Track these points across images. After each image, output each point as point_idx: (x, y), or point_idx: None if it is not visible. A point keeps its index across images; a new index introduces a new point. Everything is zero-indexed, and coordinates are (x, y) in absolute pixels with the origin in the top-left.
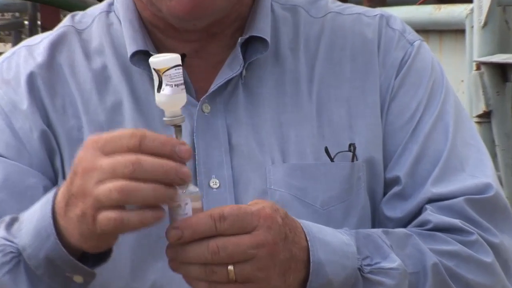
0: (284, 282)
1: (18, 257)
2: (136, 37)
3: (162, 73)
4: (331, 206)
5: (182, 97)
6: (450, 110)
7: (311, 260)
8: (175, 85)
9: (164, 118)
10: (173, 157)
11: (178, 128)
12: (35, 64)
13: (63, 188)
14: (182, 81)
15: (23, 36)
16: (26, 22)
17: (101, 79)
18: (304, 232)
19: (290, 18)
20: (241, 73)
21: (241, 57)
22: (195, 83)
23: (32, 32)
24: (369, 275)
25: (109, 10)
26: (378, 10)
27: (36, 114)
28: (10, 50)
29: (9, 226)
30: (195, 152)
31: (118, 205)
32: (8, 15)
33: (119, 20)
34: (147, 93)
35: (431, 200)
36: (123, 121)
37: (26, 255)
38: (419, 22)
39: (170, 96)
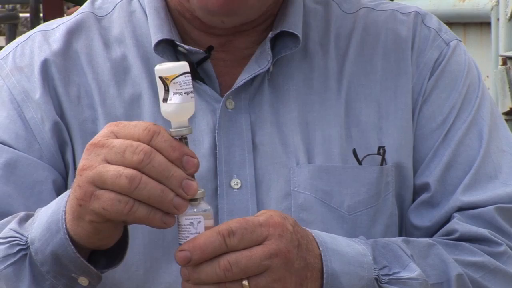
0: None
1: (25, 250)
2: (162, 26)
3: (170, 81)
4: (357, 211)
5: (192, 106)
6: (485, 115)
7: (324, 271)
8: (185, 93)
9: (170, 130)
10: (178, 164)
11: (185, 140)
12: (50, 51)
13: None
14: (192, 89)
15: (24, 29)
16: (24, 15)
17: (120, 69)
18: (317, 242)
19: (322, 12)
20: (268, 68)
21: (270, 52)
22: (219, 77)
23: (34, 25)
24: (387, 286)
25: None
26: (414, 7)
27: (49, 104)
28: (25, 34)
29: (23, 220)
30: (216, 150)
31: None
32: (8, 8)
33: (142, 8)
34: None
35: (460, 209)
36: (141, 114)
37: (33, 249)
38: (442, 14)
39: (179, 105)
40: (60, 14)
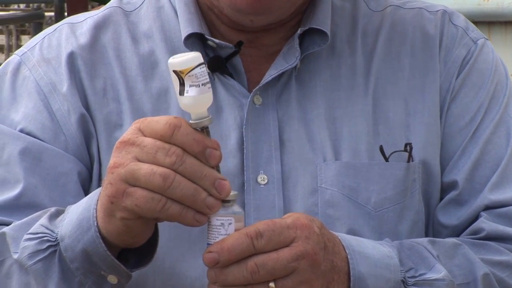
0: None
1: (54, 247)
2: (192, 20)
3: (186, 74)
4: (384, 208)
5: (209, 96)
6: None
7: (351, 274)
8: (202, 85)
9: (191, 121)
10: (201, 158)
11: (206, 130)
12: (77, 44)
13: None
14: (208, 79)
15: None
16: (49, 14)
17: (148, 64)
18: (343, 245)
19: (349, 10)
20: (295, 65)
21: (298, 49)
22: (246, 72)
23: None
24: (414, 287)
25: None
26: (441, 6)
27: (76, 96)
28: (52, 26)
29: (54, 216)
30: (243, 145)
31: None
32: (33, 6)
33: (171, 4)
34: None
35: (488, 207)
36: (168, 108)
37: (63, 246)
38: (466, 13)
39: (197, 97)
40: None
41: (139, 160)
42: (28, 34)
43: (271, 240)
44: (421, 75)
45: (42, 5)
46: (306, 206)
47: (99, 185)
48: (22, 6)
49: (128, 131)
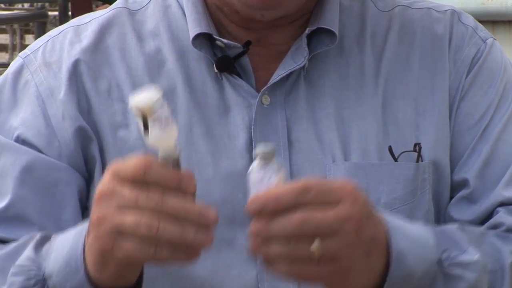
0: (368, 265)
1: (42, 282)
2: (200, 19)
3: (147, 113)
4: (393, 208)
5: (174, 128)
6: None
7: (392, 248)
8: (164, 118)
9: (160, 157)
10: (178, 193)
11: (177, 162)
12: (81, 48)
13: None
14: (169, 112)
15: (52, 28)
16: (52, 13)
17: (154, 63)
18: (384, 220)
19: (357, 10)
20: (304, 65)
21: (306, 48)
22: (254, 72)
23: (63, 23)
24: (448, 269)
25: None
26: (448, 5)
27: (73, 102)
28: (57, 29)
29: (39, 245)
30: (251, 146)
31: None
32: (37, 6)
33: (178, 3)
34: (204, 81)
35: (503, 204)
36: (175, 108)
37: (51, 284)
38: (470, 12)
39: (161, 134)
40: (89, 12)
41: (121, 210)
42: (32, 33)
43: (319, 196)
44: (430, 75)
45: (46, 4)
46: None
47: None
48: (26, 5)
49: (103, 182)
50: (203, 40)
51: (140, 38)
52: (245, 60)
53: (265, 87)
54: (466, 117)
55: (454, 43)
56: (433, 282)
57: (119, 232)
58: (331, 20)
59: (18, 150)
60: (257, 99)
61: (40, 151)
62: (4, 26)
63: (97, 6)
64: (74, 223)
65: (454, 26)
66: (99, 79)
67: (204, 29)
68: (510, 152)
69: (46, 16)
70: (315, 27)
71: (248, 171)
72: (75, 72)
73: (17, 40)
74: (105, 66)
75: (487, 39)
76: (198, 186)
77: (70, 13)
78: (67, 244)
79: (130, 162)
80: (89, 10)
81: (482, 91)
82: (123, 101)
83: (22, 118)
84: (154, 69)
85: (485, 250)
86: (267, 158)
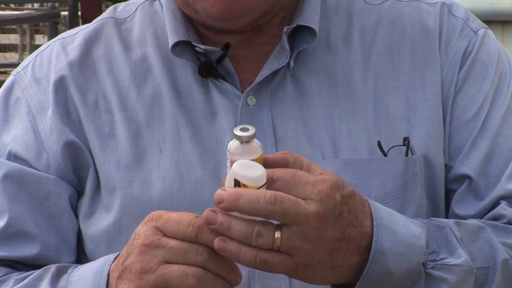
0: (331, 262)
1: None
2: (178, 28)
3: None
4: (385, 202)
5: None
6: None
7: (372, 247)
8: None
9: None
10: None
11: None
12: (66, 62)
13: (117, 261)
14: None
15: (62, 28)
16: (62, 13)
17: (140, 71)
18: (372, 218)
19: (344, 5)
20: (288, 64)
21: (287, 47)
22: (240, 74)
23: (73, 23)
24: (432, 271)
25: None
26: None
27: (61, 116)
28: (46, 43)
29: (55, 280)
30: None
31: None
32: (47, 6)
33: (163, 9)
34: (190, 86)
35: (505, 197)
36: (161, 114)
37: None
38: (480, 12)
39: None
40: (99, 13)
41: (167, 262)
42: (42, 33)
43: (282, 189)
44: (421, 69)
45: (56, 4)
46: None
47: (97, 189)
48: (36, 5)
49: (147, 233)
50: (184, 46)
51: (127, 47)
52: (227, 62)
53: (248, 88)
54: (463, 111)
55: (445, 36)
56: (415, 282)
57: (165, 283)
58: (310, 17)
59: (5, 165)
60: (241, 100)
61: (29, 164)
62: (14, 26)
63: (106, 6)
64: (73, 232)
65: (444, 19)
66: (86, 92)
67: (182, 37)
68: (511, 145)
69: (59, 16)
70: (294, 25)
71: (228, 147)
72: (61, 86)
73: (27, 40)
74: (92, 80)
75: (478, 30)
76: (188, 187)
77: (79, 13)
78: (87, 285)
79: (181, 219)
80: (99, 10)
81: (477, 83)
82: (111, 112)
83: (14, 135)
84: (140, 77)
85: (479, 246)
86: (247, 142)
